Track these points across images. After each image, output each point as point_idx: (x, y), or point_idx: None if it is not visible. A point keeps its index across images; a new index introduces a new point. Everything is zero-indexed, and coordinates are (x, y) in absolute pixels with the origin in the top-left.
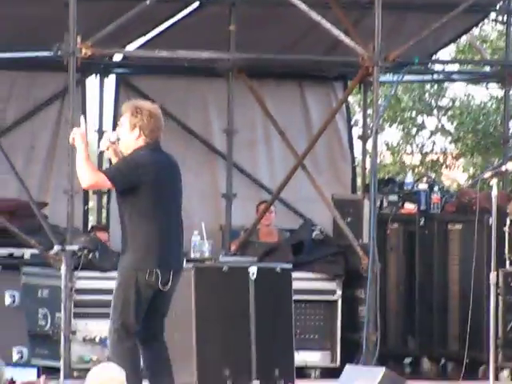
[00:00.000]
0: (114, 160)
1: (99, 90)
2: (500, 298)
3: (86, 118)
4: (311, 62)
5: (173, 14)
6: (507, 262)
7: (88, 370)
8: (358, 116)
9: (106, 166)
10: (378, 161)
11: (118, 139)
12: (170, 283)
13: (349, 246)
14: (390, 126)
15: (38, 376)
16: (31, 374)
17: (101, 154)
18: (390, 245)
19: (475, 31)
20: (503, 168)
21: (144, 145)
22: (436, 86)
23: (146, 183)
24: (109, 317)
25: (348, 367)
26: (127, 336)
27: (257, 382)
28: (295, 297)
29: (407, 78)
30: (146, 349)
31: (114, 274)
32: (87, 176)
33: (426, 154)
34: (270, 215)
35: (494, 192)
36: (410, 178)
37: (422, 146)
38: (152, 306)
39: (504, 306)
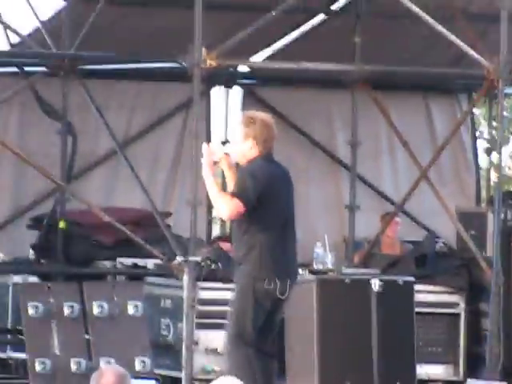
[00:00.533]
0: (227, 171)
1: (224, 101)
2: None
3: (210, 130)
4: (436, 74)
5: (298, 25)
6: None
7: (210, 380)
8: (482, 128)
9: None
10: (503, 173)
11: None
12: (287, 293)
13: (472, 258)
14: None
15: None
16: None
17: (215, 163)
18: None
19: None
20: None
21: (258, 155)
22: None
23: (264, 195)
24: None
25: (470, 381)
26: (244, 345)
27: None
28: (417, 309)
29: None
30: (258, 360)
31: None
32: (225, 208)
33: None
34: (396, 226)
35: None
36: None
37: None
38: (269, 317)
39: None
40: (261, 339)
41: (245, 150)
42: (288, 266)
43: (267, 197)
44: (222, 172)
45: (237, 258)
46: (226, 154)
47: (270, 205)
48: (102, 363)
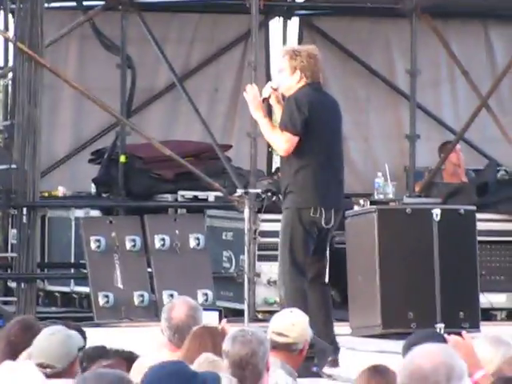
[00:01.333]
0: (276, 107)
1: (282, 32)
2: None
3: (269, 60)
4: (496, 1)
5: None
6: None
7: (272, 312)
8: None
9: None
10: None
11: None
12: (332, 221)
13: None
14: None
15: (220, 319)
16: (213, 316)
17: (264, 100)
18: None
19: None
20: None
21: (306, 84)
22: None
23: (309, 121)
24: None
25: None
26: (299, 276)
27: (441, 324)
28: (479, 238)
29: None
30: (310, 289)
31: None
32: (280, 144)
33: None
34: (459, 154)
35: None
36: None
37: None
38: (317, 246)
39: None
40: (311, 268)
41: (293, 82)
42: (333, 195)
43: (312, 123)
44: (270, 107)
45: (283, 187)
46: (274, 89)
47: (315, 132)
48: (165, 296)
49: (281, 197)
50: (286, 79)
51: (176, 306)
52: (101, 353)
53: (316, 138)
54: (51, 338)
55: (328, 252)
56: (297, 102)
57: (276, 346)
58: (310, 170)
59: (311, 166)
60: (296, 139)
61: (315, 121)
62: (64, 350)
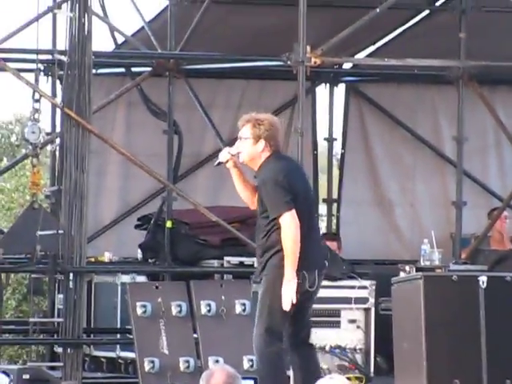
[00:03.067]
0: (233, 171)
1: (329, 99)
2: None
3: (315, 127)
4: None
5: (402, 22)
6: None
7: None
8: None
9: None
10: None
11: (238, 152)
12: (316, 283)
13: None
14: None
15: None
16: None
17: (219, 165)
18: None
19: None
20: None
21: (271, 154)
22: None
23: (289, 192)
24: (336, 326)
25: None
26: (273, 340)
27: None
28: None
29: None
30: (296, 353)
31: (344, 282)
32: (292, 231)
33: None
34: (505, 221)
35: None
36: None
37: None
38: (299, 309)
39: None
40: (295, 331)
41: (257, 151)
42: (315, 256)
43: (291, 193)
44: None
45: (262, 252)
46: (233, 154)
47: (294, 200)
48: (211, 362)
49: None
50: (249, 148)
51: (215, 373)
52: None
53: (298, 207)
54: None
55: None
56: (276, 183)
57: None
58: None
59: None
60: (294, 213)
61: (293, 190)
62: None
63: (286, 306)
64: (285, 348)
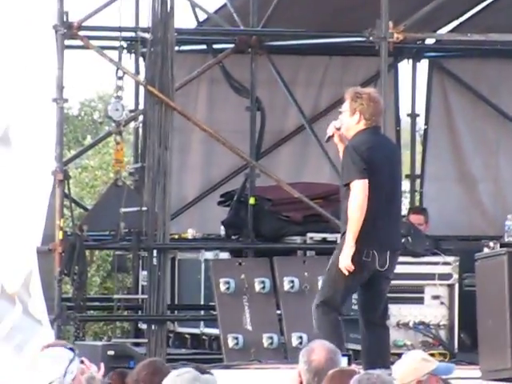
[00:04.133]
0: (339, 145)
1: (412, 75)
2: None
3: (398, 103)
4: None
5: None
6: None
7: (401, 355)
8: None
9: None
10: None
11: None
12: (387, 264)
13: None
14: None
15: (350, 363)
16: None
17: (328, 140)
18: None
19: None
20: None
21: (364, 128)
22: None
23: (366, 167)
24: (419, 302)
25: None
26: (331, 310)
27: None
28: None
29: None
30: (368, 332)
31: (427, 258)
32: (360, 198)
33: None
34: None
35: None
36: None
37: None
38: (372, 288)
39: None
40: (368, 310)
41: (352, 123)
42: (389, 238)
43: (369, 169)
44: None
45: (343, 228)
46: (337, 128)
47: (372, 177)
48: (294, 339)
49: (409, 239)
50: (346, 120)
51: (315, 349)
52: None
53: (374, 184)
54: (177, 380)
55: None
56: (355, 150)
57: None
58: (367, 216)
59: (369, 212)
60: (366, 182)
61: (373, 167)
62: None
63: (343, 271)
64: (341, 319)
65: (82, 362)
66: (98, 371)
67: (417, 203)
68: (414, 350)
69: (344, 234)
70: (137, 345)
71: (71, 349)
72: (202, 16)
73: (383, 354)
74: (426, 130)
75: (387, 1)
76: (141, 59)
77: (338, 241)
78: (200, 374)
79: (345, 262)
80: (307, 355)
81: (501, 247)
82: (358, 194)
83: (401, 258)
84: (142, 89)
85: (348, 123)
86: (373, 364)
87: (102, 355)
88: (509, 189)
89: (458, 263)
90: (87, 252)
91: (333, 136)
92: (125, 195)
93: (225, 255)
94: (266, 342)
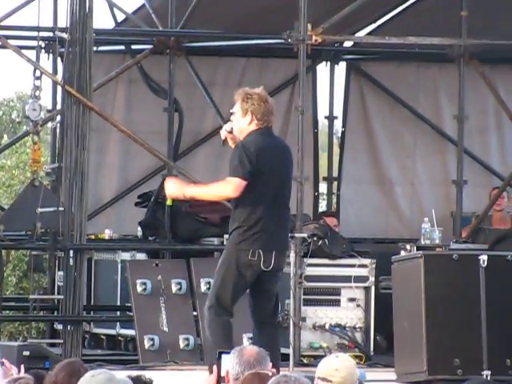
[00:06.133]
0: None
1: (330, 77)
2: None
3: (316, 105)
4: None
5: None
6: None
7: (317, 357)
8: None
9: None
10: None
11: (232, 128)
12: (272, 264)
13: None
14: None
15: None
16: None
17: (224, 143)
18: None
19: None
20: None
21: (256, 129)
22: None
23: (255, 166)
24: (336, 304)
25: None
26: (222, 311)
27: (488, 372)
28: None
29: None
30: (259, 332)
31: (344, 261)
32: (227, 189)
33: None
34: (503, 200)
35: None
36: None
37: None
38: (259, 287)
39: None
40: (257, 310)
41: (244, 124)
42: (274, 237)
43: (258, 168)
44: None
45: (230, 226)
46: (229, 131)
47: (261, 177)
48: None
49: (326, 241)
50: (238, 121)
51: (247, 347)
52: None
53: (262, 186)
54: (91, 381)
55: (277, 293)
56: (245, 150)
57: None
58: (252, 213)
59: (254, 208)
60: (244, 184)
61: (262, 168)
62: None
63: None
64: (231, 321)
65: (2, 363)
66: (18, 373)
67: (334, 205)
68: (331, 352)
69: (231, 233)
70: (52, 345)
71: None
72: (121, 16)
73: (274, 353)
74: (343, 133)
75: (306, 3)
76: (59, 59)
77: (225, 242)
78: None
79: (169, 188)
80: (238, 350)
81: (417, 250)
82: (227, 188)
83: (317, 260)
84: (59, 89)
85: (240, 124)
86: None
87: (18, 355)
88: (425, 192)
89: (374, 265)
90: (3, 252)
91: (225, 140)
92: (42, 195)
93: (142, 256)
94: (182, 344)
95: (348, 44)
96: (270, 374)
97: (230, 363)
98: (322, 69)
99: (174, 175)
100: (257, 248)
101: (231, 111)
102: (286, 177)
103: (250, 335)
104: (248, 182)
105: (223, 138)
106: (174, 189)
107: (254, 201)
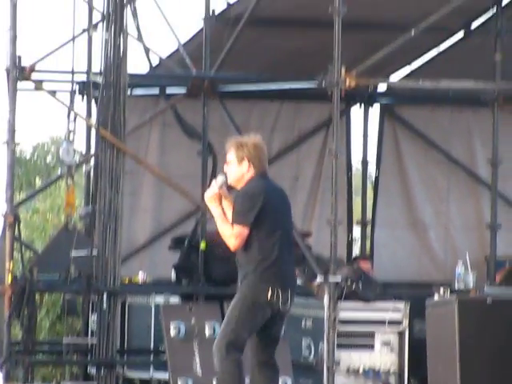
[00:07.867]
0: (225, 202)
1: (363, 120)
2: None
3: (350, 148)
4: None
5: (437, 43)
6: None
7: None
8: None
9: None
10: None
11: (224, 182)
12: (289, 302)
13: None
14: None
15: None
16: None
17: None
18: None
19: None
20: None
21: (255, 175)
22: None
23: (261, 210)
24: (369, 348)
25: None
26: (234, 350)
27: None
28: None
29: None
30: (260, 373)
31: (378, 304)
32: (231, 240)
33: None
34: None
35: None
36: None
37: None
38: (268, 329)
39: None
40: (261, 351)
41: (241, 172)
42: (287, 276)
43: (264, 211)
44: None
45: (241, 272)
46: (219, 186)
47: (268, 219)
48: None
49: (360, 285)
50: (235, 170)
51: None
52: None
53: (273, 226)
54: None
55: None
56: (249, 195)
57: None
58: (265, 255)
59: (266, 250)
60: (246, 232)
61: (267, 208)
62: None
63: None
64: (242, 359)
65: None
66: None
67: (367, 249)
68: None
69: (243, 279)
70: None
71: None
72: (155, 60)
73: None
74: (377, 177)
75: (340, 47)
76: (93, 102)
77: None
78: None
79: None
80: None
81: (451, 294)
82: (231, 237)
83: (351, 304)
84: (93, 132)
85: (237, 173)
86: None
87: None
88: (459, 236)
89: (408, 309)
90: (37, 295)
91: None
92: (75, 238)
93: (175, 299)
94: None
95: (382, 87)
96: None
97: None
98: (356, 112)
99: (207, 218)
100: (276, 286)
101: (226, 162)
102: (289, 218)
103: (285, 379)
104: (251, 228)
105: (211, 194)
106: (212, 199)
107: (264, 242)
